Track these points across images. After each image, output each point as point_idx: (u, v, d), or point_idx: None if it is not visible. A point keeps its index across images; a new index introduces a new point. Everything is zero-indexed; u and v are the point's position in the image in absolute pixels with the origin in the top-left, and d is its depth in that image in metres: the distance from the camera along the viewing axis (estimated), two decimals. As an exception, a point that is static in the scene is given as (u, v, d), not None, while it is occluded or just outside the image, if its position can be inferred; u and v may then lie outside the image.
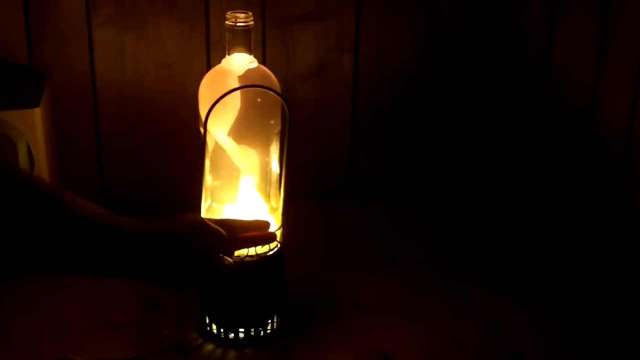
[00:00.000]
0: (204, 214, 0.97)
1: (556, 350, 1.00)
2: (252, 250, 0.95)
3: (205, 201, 0.97)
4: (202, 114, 0.92)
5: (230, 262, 0.91)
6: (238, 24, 0.93)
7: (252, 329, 0.99)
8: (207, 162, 0.95)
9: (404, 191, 1.38)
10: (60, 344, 0.99)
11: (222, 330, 0.99)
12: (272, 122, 0.96)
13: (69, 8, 1.17)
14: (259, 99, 0.94)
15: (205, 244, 0.88)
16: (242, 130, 0.94)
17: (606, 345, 1.01)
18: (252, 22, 0.93)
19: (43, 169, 1.09)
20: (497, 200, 1.35)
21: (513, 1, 1.30)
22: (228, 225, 0.90)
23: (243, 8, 0.95)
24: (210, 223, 0.89)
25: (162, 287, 0.87)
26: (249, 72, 0.94)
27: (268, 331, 1.00)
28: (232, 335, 0.99)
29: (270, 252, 0.97)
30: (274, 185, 0.98)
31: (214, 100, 0.89)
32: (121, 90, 1.23)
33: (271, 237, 0.95)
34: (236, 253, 0.95)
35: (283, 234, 0.99)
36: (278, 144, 0.97)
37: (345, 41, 1.28)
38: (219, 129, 0.94)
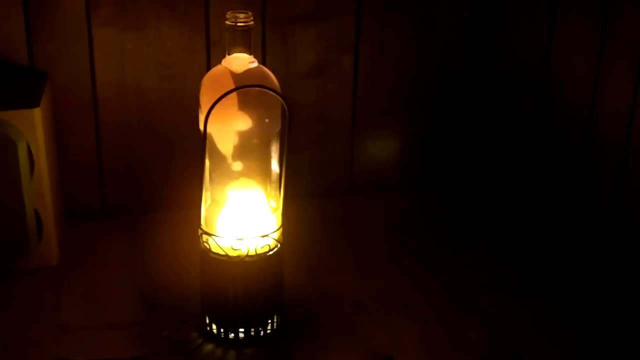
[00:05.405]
0: (203, 214, 0.97)
1: (556, 350, 1.00)
2: (252, 250, 0.95)
3: (205, 201, 0.97)
4: (202, 114, 0.92)
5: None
6: (238, 24, 0.93)
7: (252, 329, 0.99)
8: (207, 162, 0.95)
9: (404, 191, 1.38)
10: (60, 344, 0.99)
11: (222, 330, 0.99)
12: (271, 122, 0.96)
13: (69, 8, 1.17)
14: (258, 98, 0.94)
15: None
16: (242, 131, 0.94)
17: (606, 345, 1.01)
18: (252, 22, 0.93)
19: (43, 169, 1.09)
20: (497, 200, 1.35)
21: (513, 2, 1.30)
22: None
23: (243, 8, 0.95)
24: None
25: None
26: (249, 72, 0.94)
27: (268, 331, 1.00)
28: (232, 335, 0.99)
29: (270, 252, 0.97)
30: (274, 185, 0.98)
31: (214, 100, 0.89)
32: (121, 90, 1.23)
33: None
34: (236, 253, 0.95)
35: (283, 234, 0.99)
36: (278, 144, 0.97)
37: (345, 41, 1.28)
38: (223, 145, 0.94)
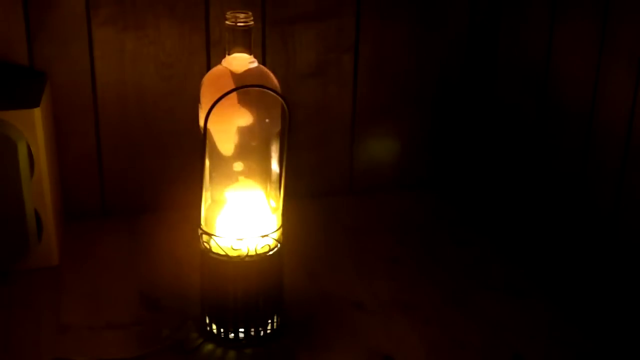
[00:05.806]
0: (203, 214, 0.97)
1: (556, 350, 1.00)
2: (252, 250, 0.95)
3: (205, 201, 0.97)
4: (202, 114, 0.92)
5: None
6: (238, 24, 0.93)
7: (252, 329, 0.99)
8: (207, 162, 0.95)
9: (404, 191, 1.38)
10: (60, 344, 0.99)
11: (222, 330, 0.99)
12: (271, 122, 0.96)
13: (69, 8, 1.17)
14: (258, 98, 0.94)
15: None
16: (242, 131, 0.94)
17: (606, 345, 1.01)
18: (252, 22, 0.93)
19: (43, 169, 1.09)
20: (497, 199, 1.35)
21: (513, 1, 1.30)
22: None
23: (243, 8, 0.95)
24: None
25: None
26: (249, 72, 0.94)
27: (268, 331, 1.00)
28: (232, 335, 0.99)
29: (270, 252, 0.97)
30: (274, 185, 0.98)
31: (214, 100, 0.89)
32: (121, 90, 1.23)
33: None
34: (236, 253, 0.95)
35: (283, 234, 0.99)
36: (278, 144, 0.97)
37: (345, 41, 1.28)
38: (223, 144, 0.94)
